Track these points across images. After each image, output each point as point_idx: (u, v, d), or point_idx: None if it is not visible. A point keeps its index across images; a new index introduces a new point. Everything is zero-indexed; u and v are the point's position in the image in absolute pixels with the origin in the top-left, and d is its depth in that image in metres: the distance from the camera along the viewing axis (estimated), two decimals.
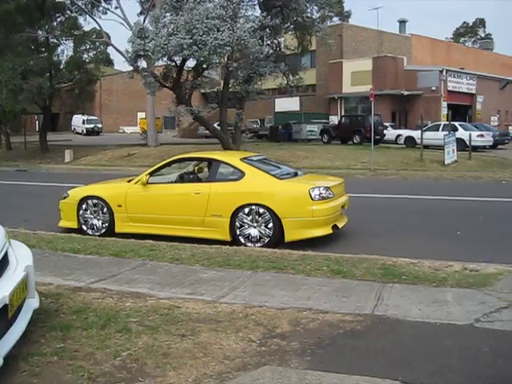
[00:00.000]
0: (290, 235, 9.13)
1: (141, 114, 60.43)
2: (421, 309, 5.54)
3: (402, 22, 63.45)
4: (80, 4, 39.06)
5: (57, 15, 39.87)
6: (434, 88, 45.33)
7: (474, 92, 50.37)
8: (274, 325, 5.14)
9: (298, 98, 45.21)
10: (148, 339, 4.79)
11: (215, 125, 30.95)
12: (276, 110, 51.18)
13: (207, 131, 33.90)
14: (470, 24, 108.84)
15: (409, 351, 4.54)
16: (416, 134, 32.88)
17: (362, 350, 4.57)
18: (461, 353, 4.45)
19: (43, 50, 39.39)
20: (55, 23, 40.10)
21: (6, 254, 4.57)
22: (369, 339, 4.79)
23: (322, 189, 9.28)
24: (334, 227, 9.46)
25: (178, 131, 58.29)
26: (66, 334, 4.92)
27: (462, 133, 30.85)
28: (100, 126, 66.91)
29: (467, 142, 28.02)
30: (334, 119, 47.83)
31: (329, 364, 4.29)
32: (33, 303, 4.82)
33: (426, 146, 28.69)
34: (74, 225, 10.75)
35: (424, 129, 28.68)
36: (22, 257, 4.90)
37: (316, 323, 5.18)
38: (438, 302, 5.75)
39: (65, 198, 11.05)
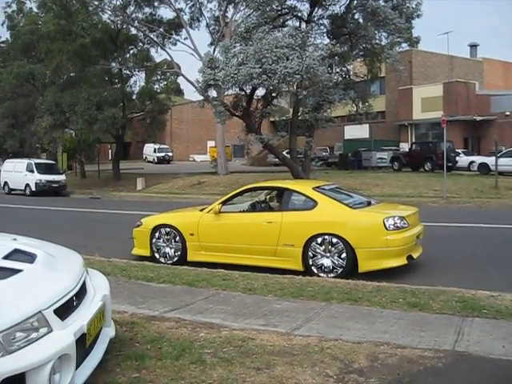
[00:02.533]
0: (363, 266, 8.96)
1: (210, 143, 61.23)
2: (505, 346, 5.28)
3: (473, 46, 62.36)
4: (152, 36, 40.07)
5: (129, 47, 41.24)
6: (508, 113, 44.24)
7: None
8: (350, 359, 5.00)
9: (367, 125, 44.87)
10: (223, 371, 4.73)
11: (284, 153, 30.98)
12: (345, 138, 50.91)
13: (276, 159, 34.01)
14: None
15: None
16: (490, 160, 32.03)
17: None
18: None
19: (116, 81, 40.71)
20: (128, 55, 41.47)
21: (84, 284, 4.62)
22: (451, 377, 4.60)
23: (396, 218, 9.10)
24: (409, 258, 9.24)
25: (247, 159, 58.62)
26: (141, 363, 4.91)
27: None
28: (171, 154, 68.04)
29: None
30: (405, 146, 47.21)
31: None
32: (109, 332, 4.85)
33: (501, 173, 27.95)
34: (146, 253, 10.87)
35: (498, 155, 27.96)
36: (98, 286, 4.95)
37: (394, 358, 5.02)
38: None
39: (138, 226, 11.20)
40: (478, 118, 46.07)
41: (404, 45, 30.31)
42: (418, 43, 31.17)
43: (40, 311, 3.75)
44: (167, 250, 10.68)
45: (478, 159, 36.95)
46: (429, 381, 4.56)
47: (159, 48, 40.87)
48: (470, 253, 11.49)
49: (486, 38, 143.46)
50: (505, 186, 25.55)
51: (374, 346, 5.35)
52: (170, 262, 10.49)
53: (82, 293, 4.49)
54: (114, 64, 39.82)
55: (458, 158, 37.39)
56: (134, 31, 40.86)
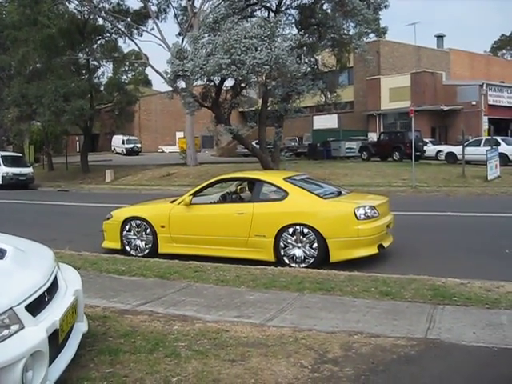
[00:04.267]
0: (335, 255, 9.00)
1: (179, 134, 60.89)
2: (475, 332, 5.37)
3: (440, 37, 62.84)
4: (119, 26, 39.68)
5: (97, 38, 40.80)
6: (474, 102, 44.69)
7: None
8: (325, 349, 5.03)
9: (336, 115, 45.04)
10: (198, 364, 4.72)
11: (254, 143, 30.98)
12: (314, 128, 51.03)
13: (246, 150, 33.98)
14: (508, 36, 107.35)
15: (467, 378, 4.39)
16: (457, 149, 32.41)
17: (417, 377, 4.43)
18: None
19: (84, 72, 40.26)
20: (95, 46, 40.99)
21: (55, 279, 4.56)
22: (424, 365, 4.65)
23: (367, 208, 9.15)
24: (380, 247, 9.30)
25: (217, 150, 58.53)
26: (115, 358, 4.88)
27: (504, 147, 30.31)
28: (139, 145, 67.61)
29: (510, 157, 27.52)
30: (373, 136, 47.49)
31: None
32: (81, 327, 4.80)
33: (468, 162, 28.32)
34: (117, 246, 10.79)
35: (465, 144, 28.30)
36: (70, 280, 4.89)
37: (368, 348, 5.06)
38: (493, 324, 5.58)
39: (108, 218, 11.10)
40: (445, 108, 46.50)
41: (372, 35, 30.41)
42: (386, 34, 31.31)
43: (11, 308, 3.69)
44: (138, 242, 10.60)
45: (446, 148, 37.37)
46: (402, 369, 4.60)
47: (127, 38, 40.61)
48: (439, 241, 11.62)
49: (452, 28, 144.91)
50: (471, 175, 25.88)
51: (348, 335, 5.39)
52: (141, 254, 10.42)
53: (53, 288, 4.44)
54: (81, 55, 39.32)
55: (425, 148, 37.76)
56: (101, 21, 40.47)
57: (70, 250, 10.29)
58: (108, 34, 41.10)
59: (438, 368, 4.58)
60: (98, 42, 41.77)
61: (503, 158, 27.51)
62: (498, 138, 32.90)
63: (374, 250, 9.17)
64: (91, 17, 39.37)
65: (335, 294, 6.92)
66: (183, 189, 20.39)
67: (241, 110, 42.59)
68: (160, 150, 69.84)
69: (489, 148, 26.51)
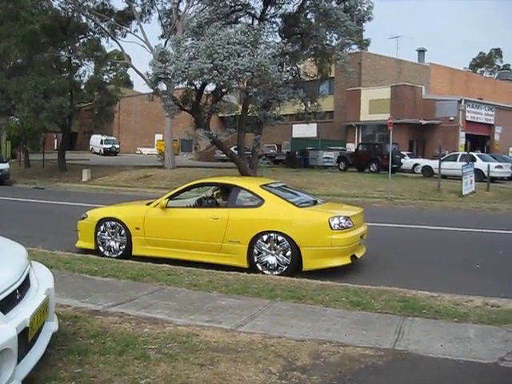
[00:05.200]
0: (308, 264, 9.06)
1: (158, 136, 60.78)
2: (443, 345, 5.44)
3: (421, 52, 63.48)
4: (103, 26, 39.50)
5: (80, 36, 40.50)
6: (452, 118, 45.25)
7: (492, 123, 50.17)
8: (294, 357, 5.07)
9: (315, 124, 45.21)
10: (167, 367, 4.73)
11: (232, 149, 31.00)
12: (293, 136, 51.27)
13: (224, 155, 33.98)
14: (487, 54, 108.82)
15: None
16: (433, 163, 32.72)
17: None
18: None
19: (65, 69, 39.92)
20: (78, 44, 40.71)
21: (27, 277, 4.55)
22: (390, 376, 4.71)
23: (341, 218, 9.23)
24: (353, 257, 9.39)
25: (195, 154, 58.42)
26: (84, 358, 4.88)
27: (480, 163, 30.64)
28: (117, 146, 67.28)
29: (485, 173, 27.85)
30: (351, 147, 47.85)
31: None
32: (52, 326, 4.79)
33: (444, 176, 28.64)
34: (91, 246, 10.75)
35: (442, 159, 28.59)
36: (42, 279, 4.88)
37: (337, 356, 5.11)
38: (460, 338, 5.66)
39: (83, 218, 11.06)
40: (424, 122, 46.96)
41: (354, 47, 30.73)
42: (368, 46, 31.65)
43: None
44: (112, 243, 10.58)
45: (422, 162, 37.69)
46: (369, 379, 4.66)
47: (110, 38, 40.32)
48: (411, 254, 11.74)
49: (433, 43, 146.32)
50: (447, 189, 26.16)
51: (317, 343, 5.44)
52: (114, 255, 10.40)
53: (25, 286, 4.43)
54: (63, 52, 39.02)
55: (402, 160, 38.05)
56: (84, 20, 40.17)
57: (44, 249, 10.22)
58: (91, 33, 40.83)
59: (403, 379, 4.65)
60: (81, 41, 41.45)
61: (478, 173, 27.80)
62: (474, 154, 33.34)
63: (346, 260, 9.25)
64: (75, 15, 39.07)
65: (306, 302, 6.97)
66: (160, 191, 20.35)
67: (221, 115, 42.74)
68: (138, 152, 69.60)
69: (465, 163, 26.83)
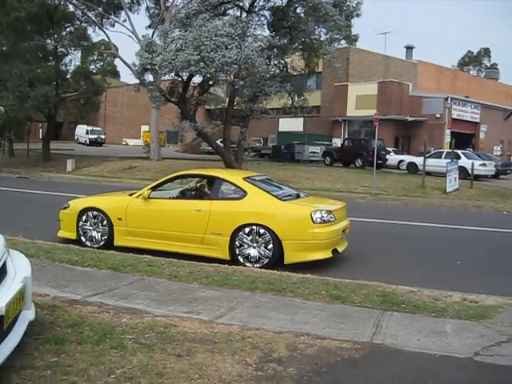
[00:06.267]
0: (289, 257, 9.08)
1: (144, 127, 60.53)
2: (420, 339, 5.48)
3: (409, 48, 63.62)
4: (90, 15, 39.22)
5: (66, 25, 40.15)
6: (438, 115, 45.35)
7: (477, 121, 50.41)
8: (270, 349, 5.08)
9: (302, 118, 45.24)
10: (143, 357, 4.73)
11: (218, 142, 30.95)
12: (279, 130, 51.28)
13: (210, 147, 33.91)
14: (475, 53, 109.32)
15: (407, 383, 4.47)
16: (418, 160, 32.86)
17: (359, 380, 4.52)
18: None
19: (51, 58, 39.57)
20: (64, 33, 40.33)
21: (4, 264, 4.52)
22: (366, 369, 4.73)
23: (323, 212, 9.25)
24: (334, 251, 9.42)
25: (181, 146, 58.27)
26: (60, 347, 4.86)
27: (464, 161, 30.77)
28: (103, 136, 67.05)
29: (469, 171, 28.00)
30: (337, 142, 47.87)
31: None
32: (28, 315, 4.76)
33: (428, 173, 28.72)
34: (72, 236, 10.70)
35: (427, 155, 28.70)
36: (20, 267, 4.85)
37: (314, 349, 5.13)
38: (437, 332, 5.70)
39: (65, 208, 11.00)
40: (410, 119, 47.09)
41: (342, 42, 30.68)
42: (356, 41, 31.71)
43: None
44: (94, 233, 10.54)
45: (407, 158, 37.85)
46: (345, 371, 4.68)
47: (97, 28, 40.02)
48: (393, 249, 11.81)
49: (422, 41, 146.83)
50: (431, 186, 26.29)
51: (295, 336, 5.45)
52: (96, 246, 10.36)
53: (1, 274, 4.40)
54: (49, 41, 38.70)
55: (388, 156, 38.18)
56: (71, 8, 39.85)
57: (25, 238, 10.15)
58: (78, 22, 40.51)
59: (379, 372, 4.67)
60: (68, 29, 41.09)
61: (463, 171, 27.91)
62: (459, 152, 33.46)
63: (328, 254, 9.28)
64: (62, 3, 38.78)
65: (286, 295, 6.98)
66: (144, 182, 20.27)
67: (207, 107, 42.55)
68: (124, 143, 69.42)
69: (449, 161, 26.96)
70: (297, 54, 30.69)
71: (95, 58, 68.28)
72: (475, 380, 4.54)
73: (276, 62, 28.66)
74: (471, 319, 6.20)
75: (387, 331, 5.70)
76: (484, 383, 4.48)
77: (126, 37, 37.20)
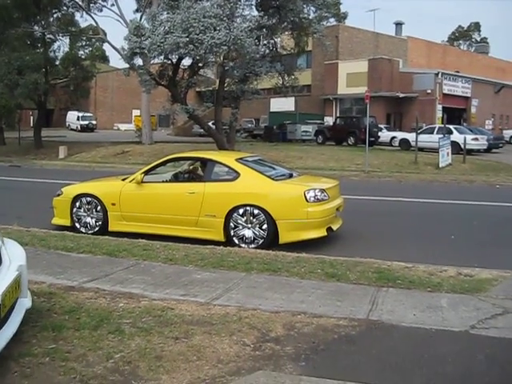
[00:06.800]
0: (284, 237, 9.10)
1: (135, 112, 60.28)
2: (416, 314, 5.52)
3: (399, 25, 63.47)
4: (77, 0, 38.85)
5: (53, 11, 39.74)
6: (429, 91, 45.37)
7: (469, 95, 50.42)
8: (268, 328, 5.11)
9: (293, 98, 45.18)
10: (141, 341, 4.74)
11: (210, 124, 30.87)
12: (271, 110, 51.18)
13: (202, 130, 33.85)
14: (465, 28, 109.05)
15: (404, 358, 4.51)
16: (410, 136, 32.86)
17: (356, 356, 4.54)
18: (456, 360, 4.43)
19: (39, 45, 39.26)
20: (52, 19, 39.96)
21: None
22: (363, 345, 4.76)
23: (317, 191, 9.25)
24: (329, 229, 9.43)
25: (173, 129, 58.19)
26: (58, 334, 4.87)
27: (456, 136, 30.84)
28: (94, 122, 66.74)
29: (462, 146, 28.05)
30: (329, 120, 47.83)
31: (323, 370, 4.25)
32: (25, 303, 4.76)
33: (421, 149, 28.76)
34: (67, 222, 10.68)
35: (419, 131, 28.72)
36: (15, 256, 4.85)
37: (310, 327, 5.15)
38: (433, 307, 5.73)
39: (58, 195, 10.97)
40: (401, 95, 47.08)
41: (331, 20, 30.64)
42: (346, 19, 31.66)
43: None
44: (88, 219, 10.52)
45: (400, 135, 37.90)
46: (343, 348, 4.70)
47: (84, 13, 39.65)
48: (387, 225, 11.85)
49: (411, 17, 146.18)
50: (424, 162, 26.34)
51: (291, 315, 5.47)
52: (90, 232, 10.35)
53: None
54: (36, 27, 38.33)
55: (380, 134, 38.19)
56: None
57: (19, 226, 10.12)
58: (65, 8, 40.15)
59: (376, 348, 4.70)
60: (55, 16, 40.71)
61: (455, 146, 27.98)
62: (451, 127, 33.51)
63: (322, 233, 9.29)
64: None
65: (282, 274, 7.01)
66: (137, 167, 20.14)
67: (198, 89, 42.48)
68: (115, 128, 69.09)
69: (441, 136, 26.98)
70: (286, 33, 30.53)
71: (84, 43, 68.00)
72: (471, 353, 4.58)
73: (265, 42, 28.58)
74: (466, 293, 6.23)
75: (383, 307, 5.74)
76: (480, 356, 4.52)
77: (114, 21, 37.13)
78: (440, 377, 4.16)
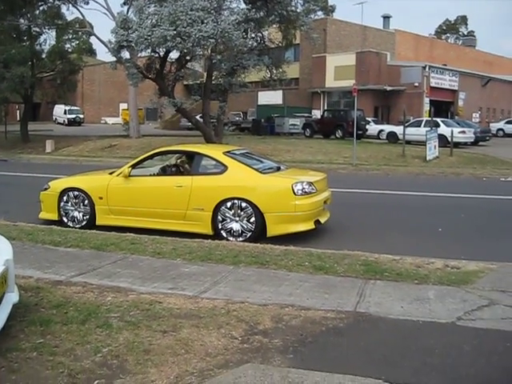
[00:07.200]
0: (272, 230, 9.11)
1: (123, 105, 60.09)
2: (403, 306, 5.54)
3: (386, 18, 63.54)
4: None
5: (39, 3, 39.33)
6: (416, 84, 45.51)
7: (456, 88, 50.61)
8: (256, 321, 5.12)
9: (280, 91, 45.19)
10: (129, 335, 4.75)
11: (198, 117, 30.79)
12: (259, 103, 51.14)
13: (189, 123, 33.73)
14: (452, 21, 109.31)
15: (391, 349, 4.53)
16: (398, 129, 32.93)
17: (344, 348, 4.56)
18: (443, 351, 4.46)
19: (25, 38, 38.97)
20: (38, 12, 39.57)
21: None
22: (351, 337, 4.79)
23: (304, 184, 9.27)
24: (317, 222, 9.46)
25: (160, 123, 58.01)
26: (46, 328, 4.86)
27: (443, 129, 30.95)
28: (82, 116, 66.39)
29: (449, 139, 28.14)
30: (317, 113, 47.86)
31: (311, 362, 4.27)
32: (12, 297, 4.76)
33: (408, 142, 28.85)
34: (54, 217, 10.64)
35: (406, 124, 28.79)
36: (1, 250, 4.83)
37: (298, 320, 5.17)
38: (420, 299, 5.77)
39: (46, 189, 10.93)
40: (389, 88, 47.17)
41: (319, 13, 30.53)
42: (333, 12, 31.59)
43: None
44: (75, 213, 10.48)
45: (387, 128, 37.96)
46: (330, 340, 4.72)
47: (71, 6, 39.35)
48: (375, 218, 11.89)
49: (399, 10, 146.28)
50: (411, 155, 26.42)
51: (279, 308, 5.49)
52: (78, 226, 10.32)
53: None
54: (22, 20, 38.04)
55: (368, 127, 38.27)
56: None
57: (6, 221, 10.08)
58: (51, 0, 39.80)
59: (364, 340, 4.72)
60: (41, 8, 40.32)
61: (442, 139, 28.07)
62: (438, 120, 33.61)
63: (310, 226, 9.32)
64: None
65: (270, 267, 7.02)
66: (125, 161, 20.09)
67: (185, 82, 42.30)
68: (103, 121, 68.83)
69: (429, 129, 27.07)
70: (274, 26, 30.45)
71: (70, 36, 67.49)
72: (458, 344, 4.61)
73: (253, 35, 28.48)
74: (453, 285, 6.27)
75: (371, 300, 5.76)
76: (466, 347, 4.55)
77: (101, 14, 36.83)
78: (427, 368, 4.19)
